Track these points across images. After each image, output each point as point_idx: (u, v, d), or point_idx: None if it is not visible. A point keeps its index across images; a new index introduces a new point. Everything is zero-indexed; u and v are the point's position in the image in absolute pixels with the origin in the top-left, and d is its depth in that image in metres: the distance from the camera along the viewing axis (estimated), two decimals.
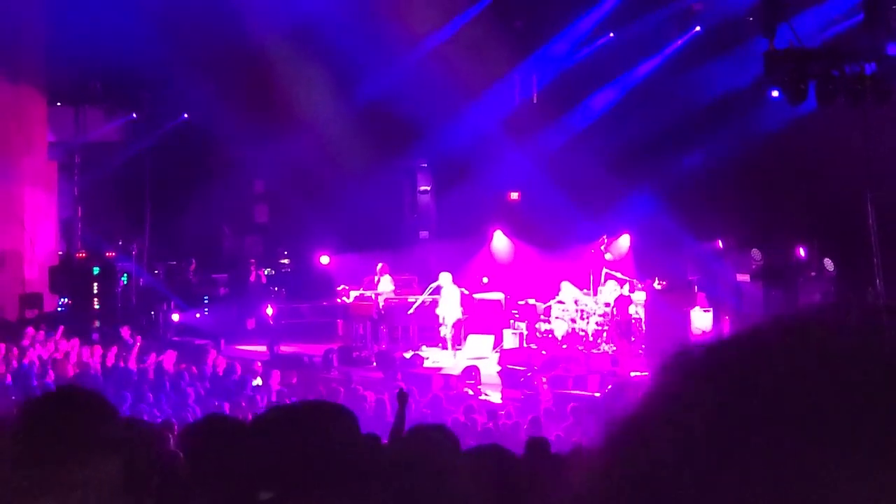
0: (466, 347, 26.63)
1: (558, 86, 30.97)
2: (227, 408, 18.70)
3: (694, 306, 25.75)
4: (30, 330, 24.43)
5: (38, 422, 3.27)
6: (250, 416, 14.83)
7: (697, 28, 29.22)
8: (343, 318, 28.67)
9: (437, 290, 26.86)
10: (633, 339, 25.68)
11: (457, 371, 23.90)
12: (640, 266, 27.84)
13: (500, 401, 22.06)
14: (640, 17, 28.92)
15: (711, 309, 25.70)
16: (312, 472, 2.94)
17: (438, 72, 29.04)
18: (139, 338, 24.48)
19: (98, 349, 23.30)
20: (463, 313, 26.95)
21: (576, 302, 26.35)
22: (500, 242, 30.45)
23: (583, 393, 21.99)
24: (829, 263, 26.11)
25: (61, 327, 24.78)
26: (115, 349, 23.33)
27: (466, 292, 27.29)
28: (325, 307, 29.73)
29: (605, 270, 26.72)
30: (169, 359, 22.57)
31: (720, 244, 28.87)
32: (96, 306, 29.33)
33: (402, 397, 10.57)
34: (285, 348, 27.24)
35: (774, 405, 1.08)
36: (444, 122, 29.86)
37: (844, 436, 1.06)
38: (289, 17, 29.41)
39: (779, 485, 1.05)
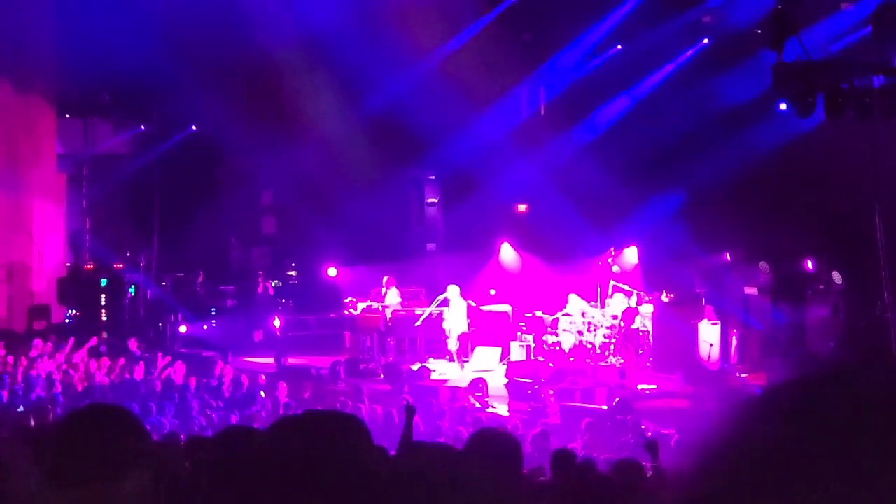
0: (473, 360, 26.62)
1: (566, 98, 30.98)
2: (233, 419, 18.71)
3: (702, 319, 25.70)
4: (37, 342, 24.45)
5: (72, 439, 3.28)
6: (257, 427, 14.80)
7: (705, 40, 29.23)
8: (350, 331, 28.67)
9: (445, 303, 26.85)
10: (640, 351, 25.64)
11: (464, 383, 23.88)
12: (648, 278, 27.80)
13: (507, 413, 22.03)
14: (648, 29, 28.92)
15: (719, 322, 25.64)
16: (320, 481, 2.94)
17: (446, 84, 29.06)
18: (157, 352, 24.54)
19: (105, 361, 23.32)
20: (469, 327, 26.95)
21: (583, 314, 26.31)
22: (508, 255, 30.42)
23: (590, 406, 21.96)
24: (837, 276, 26.04)
25: (72, 339, 24.76)
26: (122, 361, 23.36)
27: (474, 304, 27.29)
28: (333, 319, 29.73)
29: (612, 283, 26.69)
30: (178, 371, 22.58)
31: (728, 257, 28.81)
32: (104, 318, 29.38)
33: (410, 410, 10.54)
34: (292, 360, 27.22)
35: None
36: (452, 134, 29.86)
37: None
38: (297, 29, 29.46)
39: None
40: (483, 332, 27.51)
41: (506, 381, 24.08)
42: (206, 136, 31.83)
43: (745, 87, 27.05)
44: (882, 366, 1.22)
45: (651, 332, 26.00)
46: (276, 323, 28.43)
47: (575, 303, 26.49)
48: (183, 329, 29.71)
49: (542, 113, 31.49)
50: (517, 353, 26.29)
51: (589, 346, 25.98)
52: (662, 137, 28.41)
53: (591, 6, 29.39)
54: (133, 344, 25.50)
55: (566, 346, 26.05)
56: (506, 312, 27.84)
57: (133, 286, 30.31)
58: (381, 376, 25.60)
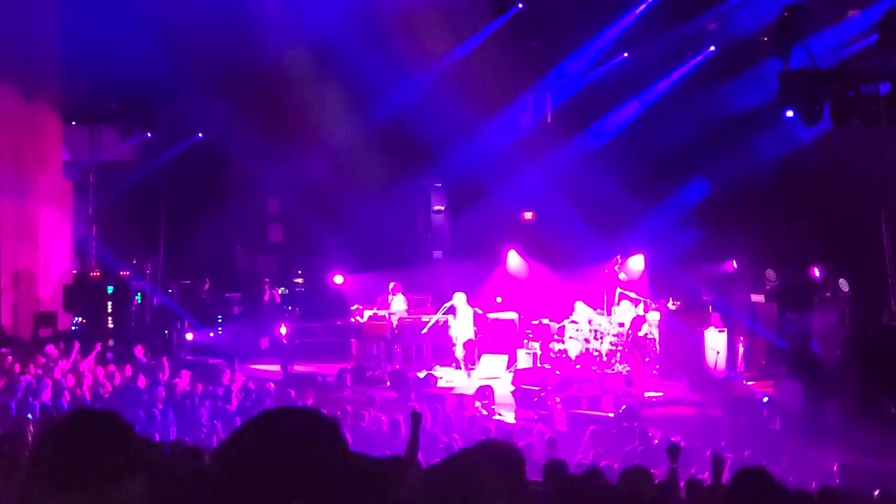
0: (480, 367, 26.62)
1: (573, 105, 30.97)
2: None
3: (708, 327, 25.70)
4: (51, 348, 24.46)
5: (63, 444, 3.29)
6: None
7: (712, 48, 29.23)
8: (357, 338, 28.66)
9: (452, 310, 26.86)
10: (647, 359, 25.63)
11: (470, 391, 23.87)
12: (655, 286, 27.79)
13: (513, 421, 22.01)
14: (654, 36, 28.91)
15: (726, 329, 25.64)
16: (292, 480, 2.94)
17: (453, 91, 29.10)
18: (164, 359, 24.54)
19: (112, 368, 23.32)
20: (475, 334, 26.96)
21: (590, 322, 26.30)
22: (514, 262, 30.41)
23: (597, 413, 21.95)
24: (843, 284, 26.02)
25: (77, 344, 24.74)
26: (128, 368, 23.36)
27: (480, 312, 27.31)
28: (339, 327, 29.71)
29: (619, 290, 26.66)
30: (183, 379, 22.56)
31: (735, 264, 28.81)
32: (110, 325, 29.39)
33: (416, 418, 10.51)
34: (299, 368, 27.22)
35: None
36: (459, 142, 29.86)
37: None
38: (303, 36, 29.51)
39: None
40: (489, 339, 27.52)
41: (512, 388, 24.07)
42: (213, 144, 31.83)
43: (751, 94, 27.05)
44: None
45: (658, 340, 26.00)
46: (283, 330, 28.42)
47: (581, 310, 26.48)
48: (189, 336, 29.73)
49: (549, 120, 31.48)
50: (524, 360, 26.29)
51: (595, 353, 25.97)
52: (669, 145, 28.43)
53: (598, 14, 29.39)
54: (140, 351, 25.50)
55: (573, 353, 26.04)
56: (512, 320, 27.84)
57: (139, 293, 30.31)
58: (388, 384, 25.58)
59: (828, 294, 26.32)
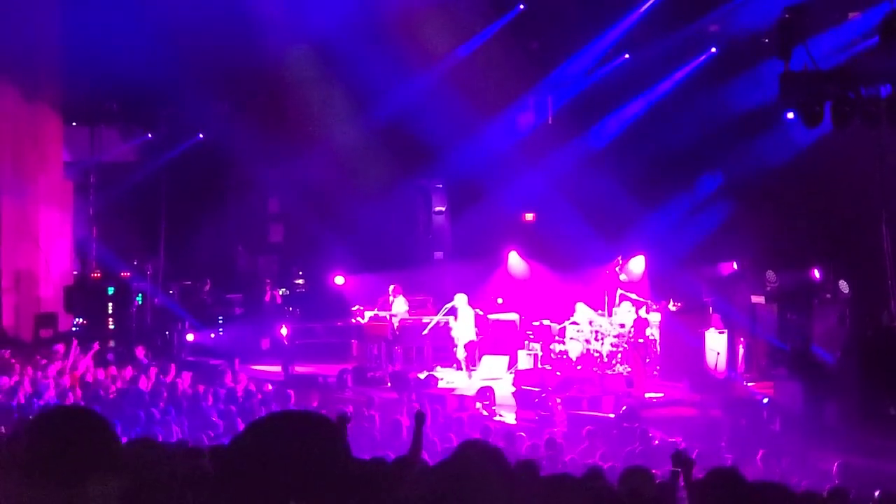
0: (481, 368, 26.63)
1: (574, 106, 30.97)
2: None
3: (709, 328, 25.74)
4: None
5: (33, 440, 3.30)
6: None
7: (713, 49, 29.23)
8: (358, 339, 28.68)
9: (453, 311, 26.87)
10: (647, 360, 25.64)
11: (471, 392, 23.87)
12: (655, 287, 27.80)
13: (514, 422, 22.03)
14: (655, 38, 28.91)
15: (726, 330, 25.67)
16: (290, 481, 2.95)
17: (454, 92, 29.07)
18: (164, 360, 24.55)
19: (112, 369, 23.32)
20: (476, 335, 26.97)
21: (590, 323, 26.31)
22: (515, 263, 30.41)
23: (597, 414, 21.96)
24: (844, 285, 26.02)
25: (75, 342, 24.69)
26: (129, 369, 23.36)
27: (481, 313, 27.31)
28: (340, 327, 29.72)
29: (619, 291, 26.68)
30: (184, 380, 22.56)
31: (735, 266, 28.81)
32: (111, 326, 29.37)
33: (420, 418, 10.47)
34: (300, 368, 27.23)
35: None
36: (460, 143, 29.85)
37: None
38: (304, 37, 29.51)
39: None
40: (490, 340, 27.53)
41: (513, 389, 24.09)
42: (214, 144, 31.83)
43: (752, 96, 27.05)
44: None
45: (658, 341, 26.02)
46: (284, 331, 28.42)
47: (582, 311, 26.49)
48: (190, 337, 29.72)
49: (550, 121, 31.49)
50: (525, 361, 26.28)
51: (596, 354, 25.98)
52: (670, 146, 28.41)
53: (599, 15, 29.39)
54: (140, 352, 25.51)
55: (573, 354, 26.05)
56: (513, 321, 27.84)
57: (140, 294, 30.30)
58: (389, 385, 25.59)
59: (828, 295, 26.32)
